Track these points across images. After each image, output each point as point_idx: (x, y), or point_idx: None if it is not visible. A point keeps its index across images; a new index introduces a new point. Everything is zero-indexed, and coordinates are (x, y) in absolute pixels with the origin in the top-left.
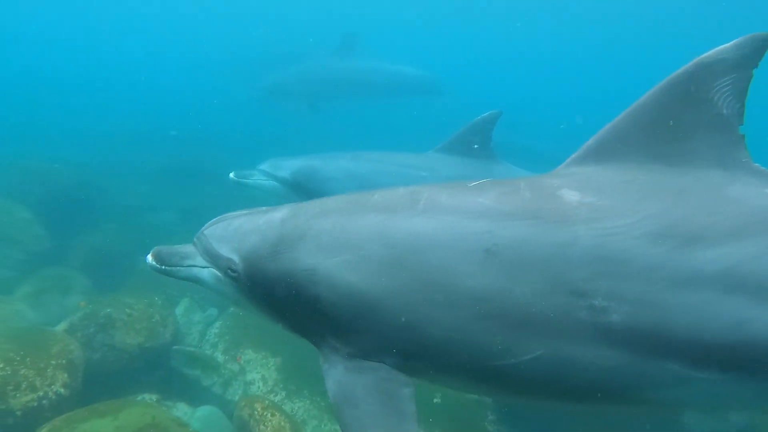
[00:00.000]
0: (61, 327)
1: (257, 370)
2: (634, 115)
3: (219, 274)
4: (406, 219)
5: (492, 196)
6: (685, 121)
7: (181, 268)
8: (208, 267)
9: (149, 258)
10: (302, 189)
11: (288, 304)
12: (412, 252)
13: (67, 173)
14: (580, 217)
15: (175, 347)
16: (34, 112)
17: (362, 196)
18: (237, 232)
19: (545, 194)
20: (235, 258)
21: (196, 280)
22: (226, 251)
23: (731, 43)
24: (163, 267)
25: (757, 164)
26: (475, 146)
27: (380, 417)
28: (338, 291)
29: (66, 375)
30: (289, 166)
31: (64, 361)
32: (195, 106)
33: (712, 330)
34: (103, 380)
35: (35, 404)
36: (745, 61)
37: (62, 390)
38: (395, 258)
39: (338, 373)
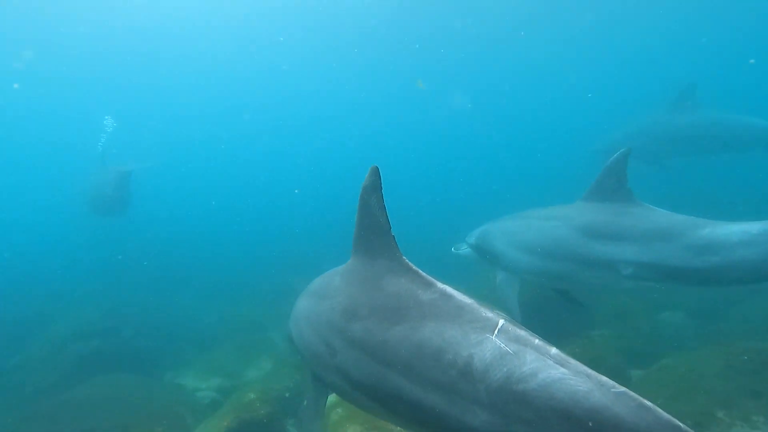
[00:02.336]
0: None
1: None
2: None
3: None
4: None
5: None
6: (372, 229)
7: None
8: None
9: None
10: (480, 250)
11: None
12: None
13: None
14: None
15: None
16: None
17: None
18: None
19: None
20: None
21: None
22: None
23: (368, 173)
24: None
25: (405, 258)
26: (612, 189)
27: (307, 410)
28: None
29: None
30: (474, 233)
31: None
32: None
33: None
34: None
35: None
36: (375, 184)
37: None
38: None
39: (307, 387)
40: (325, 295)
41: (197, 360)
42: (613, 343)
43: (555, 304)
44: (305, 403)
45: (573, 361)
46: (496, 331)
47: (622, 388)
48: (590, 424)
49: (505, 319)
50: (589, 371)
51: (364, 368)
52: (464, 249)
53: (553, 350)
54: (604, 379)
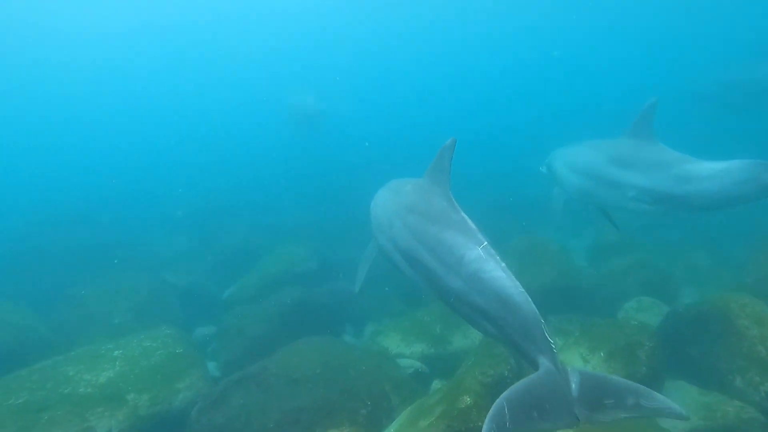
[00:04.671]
0: None
1: None
2: None
3: None
4: None
5: None
6: (440, 169)
7: None
8: None
9: None
10: (548, 169)
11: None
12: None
13: None
14: None
15: None
16: None
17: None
18: None
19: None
20: None
21: None
22: None
23: (448, 141)
24: None
25: (450, 192)
26: (640, 129)
27: (364, 260)
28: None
29: None
30: (549, 156)
31: None
32: None
33: None
34: None
35: None
36: (452, 146)
37: None
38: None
39: (369, 249)
40: (399, 193)
41: (403, 316)
42: None
43: None
44: (365, 254)
45: (508, 271)
46: (480, 247)
47: (522, 289)
48: (504, 299)
49: (486, 243)
50: (512, 277)
51: (407, 241)
52: (543, 169)
53: (503, 264)
54: (518, 283)
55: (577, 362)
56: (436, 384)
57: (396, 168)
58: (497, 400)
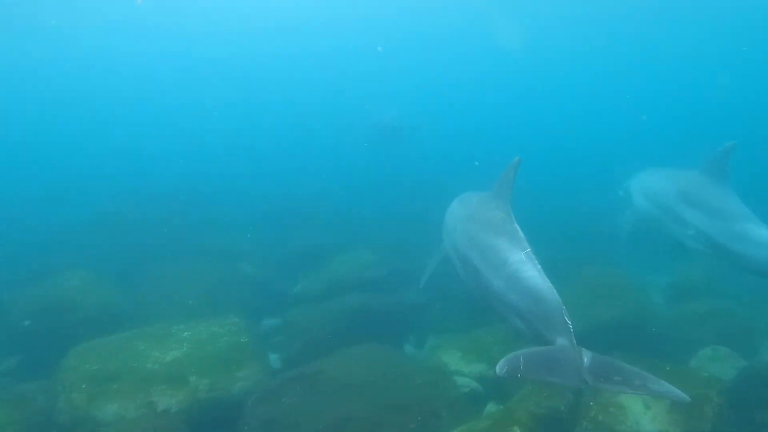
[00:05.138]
0: None
1: None
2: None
3: None
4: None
5: None
6: (503, 187)
7: None
8: None
9: None
10: (625, 192)
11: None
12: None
13: None
14: None
15: None
16: None
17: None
18: None
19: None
20: None
21: None
22: None
23: (513, 160)
24: None
25: (510, 208)
26: (714, 169)
27: (432, 260)
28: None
29: None
30: (627, 180)
31: None
32: None
33: None
34: None
35: None
36: (515, 166)
37: None
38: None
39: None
40: (465, 203)
41: (465, 333)
42: None
43: None
44: (433, 255)
45: (542, 273)
46: (523, 253)
47: (550, 284)
48: (534, 293)
49: (530, 249)
50: (545, 277)
51: (464, 243)
52: (621, 192)
53: (539, 266)
54: (549, 281)
55: (639, 407)
56: (491, 407)
57: (469, 181)
58: (513, 352)
